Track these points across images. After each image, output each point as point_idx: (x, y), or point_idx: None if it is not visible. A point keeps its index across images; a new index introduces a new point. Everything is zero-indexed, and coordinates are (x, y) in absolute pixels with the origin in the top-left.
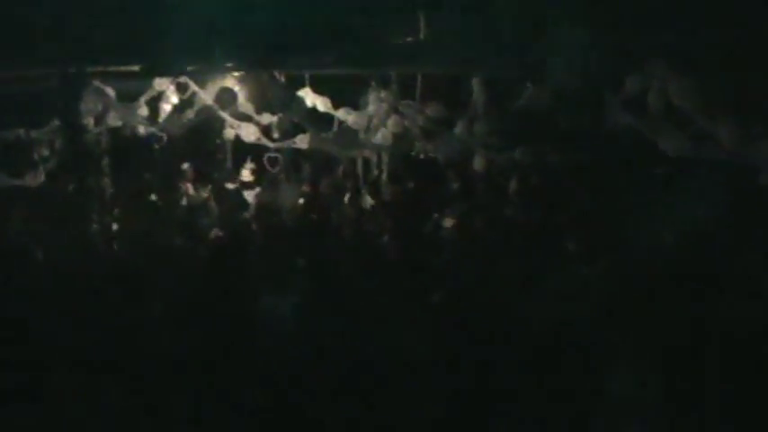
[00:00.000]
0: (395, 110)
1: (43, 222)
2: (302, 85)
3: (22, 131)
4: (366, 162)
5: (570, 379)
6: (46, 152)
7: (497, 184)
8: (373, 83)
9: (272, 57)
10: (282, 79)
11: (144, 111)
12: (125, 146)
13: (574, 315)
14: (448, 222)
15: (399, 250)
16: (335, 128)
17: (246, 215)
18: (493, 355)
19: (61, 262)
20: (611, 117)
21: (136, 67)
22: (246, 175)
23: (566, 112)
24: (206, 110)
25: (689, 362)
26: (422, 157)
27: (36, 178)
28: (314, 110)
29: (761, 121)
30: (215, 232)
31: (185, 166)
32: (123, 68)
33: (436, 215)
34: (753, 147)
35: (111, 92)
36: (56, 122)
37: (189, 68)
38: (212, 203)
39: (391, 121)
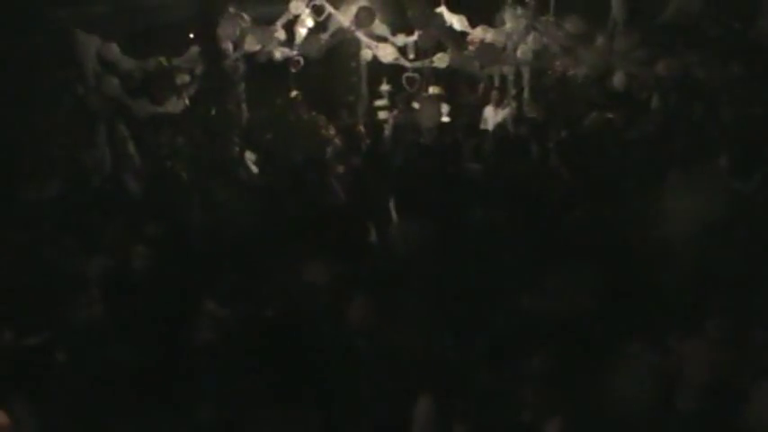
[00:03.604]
0: (533, 26)
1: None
2: (437, 4)
3: (163, 60)
4: (503, 79)
5: None
6: (187, 79)
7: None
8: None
9: None
10: None
11: (281, 34)
12: (263, 70)
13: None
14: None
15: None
16: (473, 46)
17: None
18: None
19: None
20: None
21: None
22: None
23: (715, 21)
24: (343, 32)
25: None
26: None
27: (178, 105)
28: (451, 28)
29: None
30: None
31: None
32: None
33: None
34: None
35: (247, 17)
36: (195, 49)
37: None
38: (356, 126)
39: (530, 38)
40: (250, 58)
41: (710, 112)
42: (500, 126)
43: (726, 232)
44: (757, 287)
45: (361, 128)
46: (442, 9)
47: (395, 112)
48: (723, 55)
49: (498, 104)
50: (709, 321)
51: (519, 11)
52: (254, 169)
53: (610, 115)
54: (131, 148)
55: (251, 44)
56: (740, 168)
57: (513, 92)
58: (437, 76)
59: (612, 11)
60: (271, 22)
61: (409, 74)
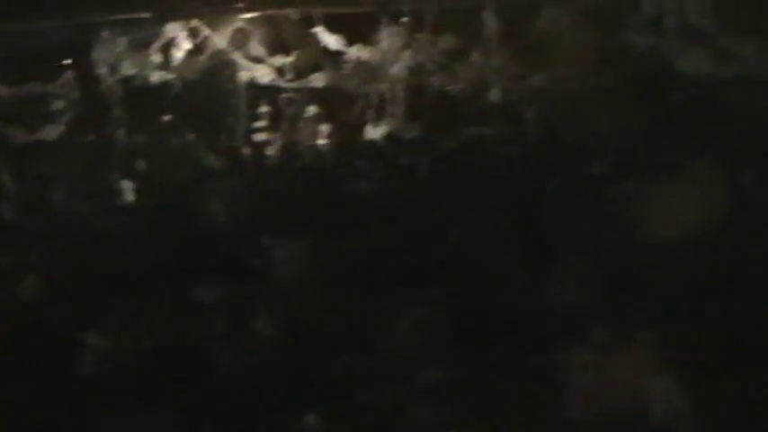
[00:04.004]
0: (409, 44)
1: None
2: (314, 24)
3: (37, 85)
4: (381, 97)
5: None
6: (62, 105)
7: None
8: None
9: None
10: (296, 18)
11: (157, 58)
12: (140, 94)
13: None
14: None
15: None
16: (350, 65)
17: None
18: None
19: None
20: (629, 38)
21: (146, 14)
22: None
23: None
24: (219, 54)
25: None
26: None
27: (54, 132)
28: (327, 48)
29: None
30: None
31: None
32: (134, 16)
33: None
34: None
35: (122, 41)
36: (70, 74)
37: (199, 11)
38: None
39: (406, 55)
40: (126, 82)
41: (583, 122)
42: (379, 144)
43: (603, 238)
44: (635, 290)
45: (242, 150)
46: (319, 29)
47: (274, 133)
48: (594, 67)
49: (376, 123)
50: (595, 328)
51: (395, 29)
52: (131, 197)
53: (487, 130)
54: (6, 176)
55: (127, 68)
56: (614, 176)
57: (390, 110)
58: (316, 96)
59: (486, 27)
60: (146, 45)
61: (287, 94)
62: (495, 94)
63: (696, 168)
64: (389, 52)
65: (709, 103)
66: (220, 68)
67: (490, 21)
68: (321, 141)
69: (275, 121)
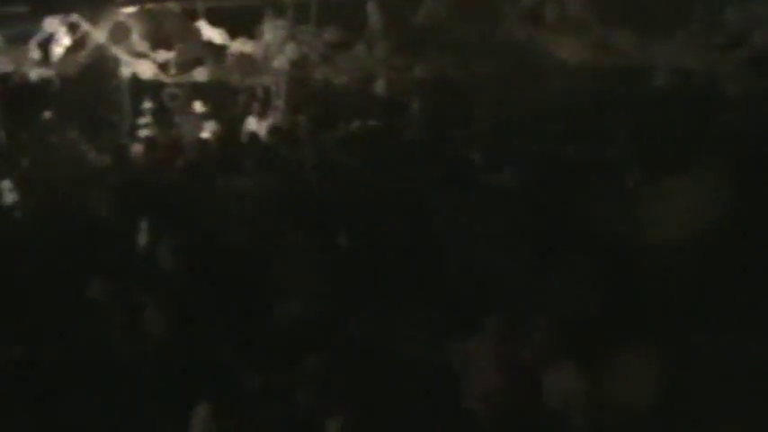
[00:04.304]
0: (293, 36)
1: None
2: (196, 18)
3: None
4: (266, 90)
5: None
6: None
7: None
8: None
9: None
10: (177, 12)
11: (36, 54)
12: (19, 92)
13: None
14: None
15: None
16: (233, 58)
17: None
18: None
19: None
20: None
21: (23, 8)
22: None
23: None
24: (100, 49)
25: None
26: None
27: None
28: (210, 42)
29: (655, 26)
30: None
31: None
32: (10, 10)
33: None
34: (649, 51)
35: None
36: None
37: (78, 6)
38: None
39: (288, 48)
40: (4, 79)
41: (466, 111)
42: (263, 138)
43: (487, 226)
44: (524, 277)
45: (126, 146)
46: (201, 23)
47: (158, 128)
48: (474, 56)
49: (261, 116)
50: (489, 318)
51: (279, 22)
52: (10, 198)
53: (372, 121)
54: None
55: (4, 65)
56: (496, 164)
57: (275, 103)
58: (200, 90)
59: (370, 18)
60: (24, 41)
61: (170, 89)
62: (379, 86)
63: (578, 156)
64: (273, 45)
65: (588, 91)
66: (101, 64)
67: (373, 12)
68: (205, 135)
69: (158, 116)
